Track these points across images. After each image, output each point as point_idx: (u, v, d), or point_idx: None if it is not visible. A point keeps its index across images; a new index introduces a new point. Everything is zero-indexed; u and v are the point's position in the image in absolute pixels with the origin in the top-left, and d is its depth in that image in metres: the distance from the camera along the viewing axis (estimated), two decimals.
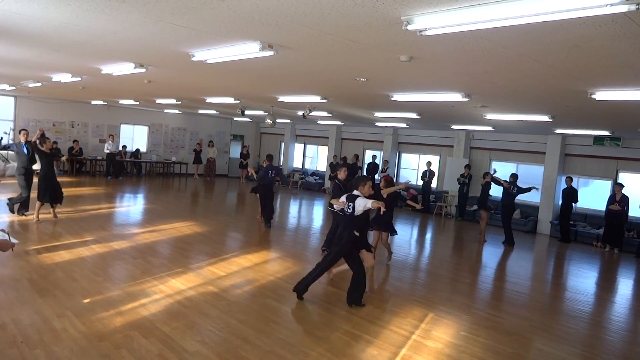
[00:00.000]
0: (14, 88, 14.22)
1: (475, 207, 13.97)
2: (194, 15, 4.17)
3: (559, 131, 12.35)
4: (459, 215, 15.22)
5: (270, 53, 5.12)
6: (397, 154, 18.34)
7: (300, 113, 12.49)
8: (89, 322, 4.73)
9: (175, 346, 4.38)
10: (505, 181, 11.10)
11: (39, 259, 6.80)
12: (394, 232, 8.33)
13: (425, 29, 3.65)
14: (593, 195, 13.22)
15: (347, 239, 5.79)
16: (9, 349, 4.06)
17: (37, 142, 9.11)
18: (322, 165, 21.29)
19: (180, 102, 14.66)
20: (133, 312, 5.14)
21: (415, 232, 13.15)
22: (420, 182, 16.34)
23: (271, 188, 10.79)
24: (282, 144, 22.91)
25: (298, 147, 22.51)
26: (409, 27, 3.63)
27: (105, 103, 18.61)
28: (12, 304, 5.07)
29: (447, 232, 13.25)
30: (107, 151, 18.10)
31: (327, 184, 19.22)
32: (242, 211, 10.88)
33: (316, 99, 9.94)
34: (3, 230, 3.52)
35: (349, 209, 5.77)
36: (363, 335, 5.05)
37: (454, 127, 14.50)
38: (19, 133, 9.54)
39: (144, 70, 7.50)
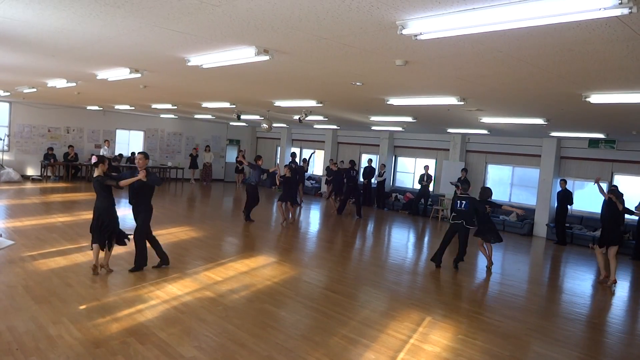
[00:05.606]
0: (8, 94, 14.18)
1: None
2: (189, 20, 4.17)
3: (554, 134, 12.41)
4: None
5: (265, 58, 5.12)
6: (393, 157, 18.38)
7: (296, 117, 12.49)
8: (85, 329, 4.71)
9: (172, 352, 4.36)
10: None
11: (34, 265, 6.76)
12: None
13: (420, 33, 3.66)
14: (589, 198, 13.27)
15: None
16: (5, 356, 4.03)
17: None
18: (318, 169, 21.29)
19: (176, 107, 14.64)
20: (129, 318, 5.12)
21: (412, 235, 13.16)
22: (417, 186, 16.38)
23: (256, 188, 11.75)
24: (279, 148, 22.91)
25: (294, 152, 22.47)
26: (404, 32, 3.65)
27: (101, 108, 18.57)
28: (7, 311, 5.04)
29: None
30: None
31: (324, 187, 19.21)
32: (239, 216, 10.87)
33: (312, 103, 9.96)
34: None
35: None
36: (360, 339, 5.04)
37: (449, 130, 14.54)
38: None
39: (139, 75, 7.49)
